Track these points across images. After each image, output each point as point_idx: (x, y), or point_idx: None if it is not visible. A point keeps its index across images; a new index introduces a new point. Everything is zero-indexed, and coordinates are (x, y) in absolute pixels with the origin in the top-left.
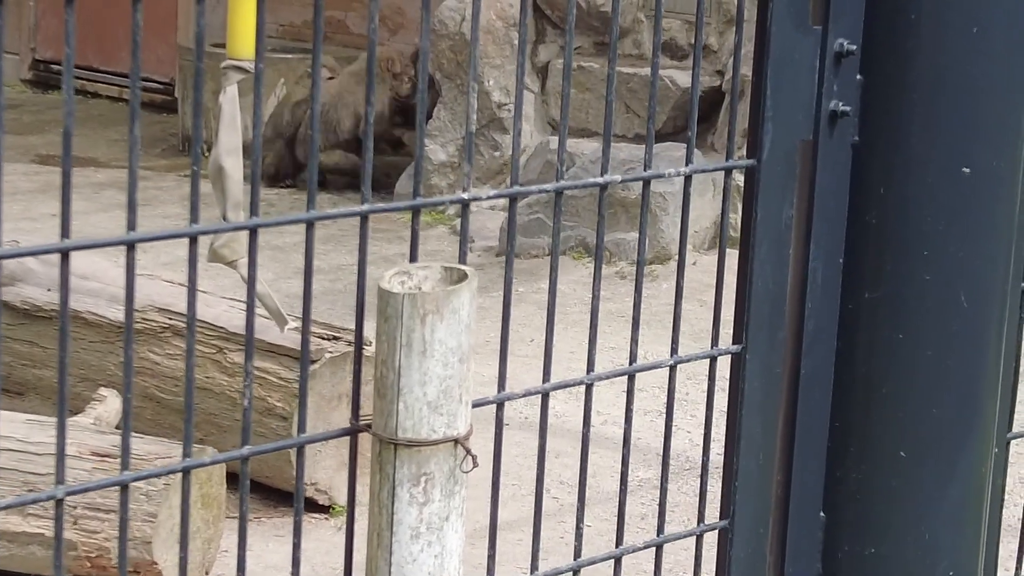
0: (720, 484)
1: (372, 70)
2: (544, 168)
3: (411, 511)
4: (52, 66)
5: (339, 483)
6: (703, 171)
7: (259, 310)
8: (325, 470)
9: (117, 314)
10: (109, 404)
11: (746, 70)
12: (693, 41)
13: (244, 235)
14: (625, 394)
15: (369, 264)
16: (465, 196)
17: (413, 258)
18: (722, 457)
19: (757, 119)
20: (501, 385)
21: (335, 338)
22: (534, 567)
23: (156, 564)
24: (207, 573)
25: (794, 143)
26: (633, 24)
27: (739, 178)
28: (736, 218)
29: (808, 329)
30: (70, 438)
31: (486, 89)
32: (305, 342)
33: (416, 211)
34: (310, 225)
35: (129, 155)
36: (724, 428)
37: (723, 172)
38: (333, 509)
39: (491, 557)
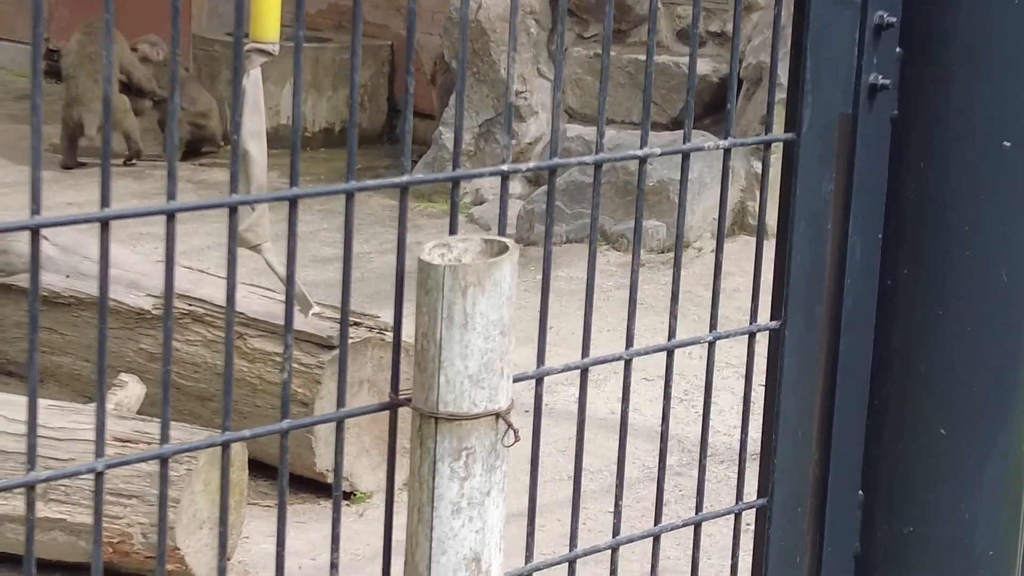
0: (738, 467)
1: (411, 49)
2: (561, 155)
3: (452, 486)
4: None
5: (360, 469)
6: (743, 144)
7: (283, 295)
8: (345, 456)
9: (136, 300)
10: (130, 390)
11: (764, 57)
12: (712, 28)
13: (267, 219)
14: (650, 378)
15: (386, 252)
16: (504, 168)
17: (453, 230)
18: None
19: (796, 93)
20: (540, 360)
21: (356, 324)
22: (573, 545)
23: (179, 549)
24: (228, 559)
25: (833, 117)
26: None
27: (758, 166)
28: (755, 204)
29: (846, 306)
30: (90, 423)
31: (502, 77)
32: (345, 315)
33: (456, 182)
34: (350, 196)
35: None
36: (743, 409)
37: (751, 152)
38: (354, 495)
39: (530, 535)
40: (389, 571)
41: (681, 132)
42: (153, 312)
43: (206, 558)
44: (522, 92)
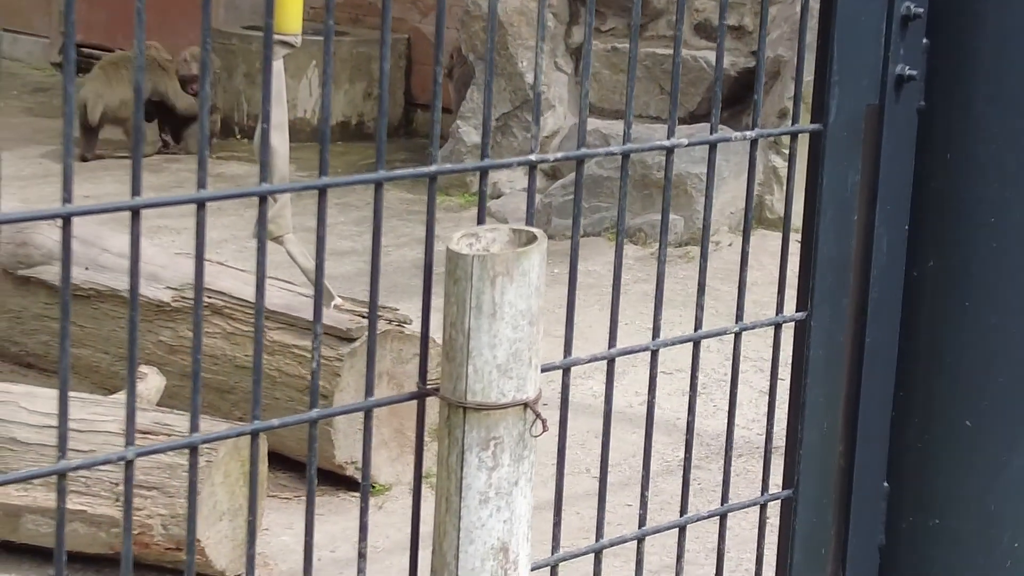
0: (763, 459)
1: (441, 38)
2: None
3: (480, 476)
4: (83, 49)
5: (378, 462)
6: (770, 134)
7: (305, 288)
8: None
9: (156, 292)
10: (149, 381)
11: (781, 50)
12: (728, 22)
13: (289, 211)
14: (668, 371)
15: (403, 246)
16: (532, 158)
17: (480, 221)
18: (772, 429)
19: (823, 83)
20: (567, 350)
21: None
22: (599, 535)
23: (199, 541)
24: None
25: (860, 107)
26: (667, 5)
27: (776, 160)
28: (772, 199)
29: (872, 297)
30: (111, 415)
31: (520, 70)
32: (373, 302)
33: (484, 172)
34: (379, 185)
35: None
36: (768, 401)
37: (769, 146)
38: (373, 488)
39: (556, 525)
40: (416, 559)
41: (699, 125)
42: (172, 304)
43: (226, 549)
44: (534, 88)
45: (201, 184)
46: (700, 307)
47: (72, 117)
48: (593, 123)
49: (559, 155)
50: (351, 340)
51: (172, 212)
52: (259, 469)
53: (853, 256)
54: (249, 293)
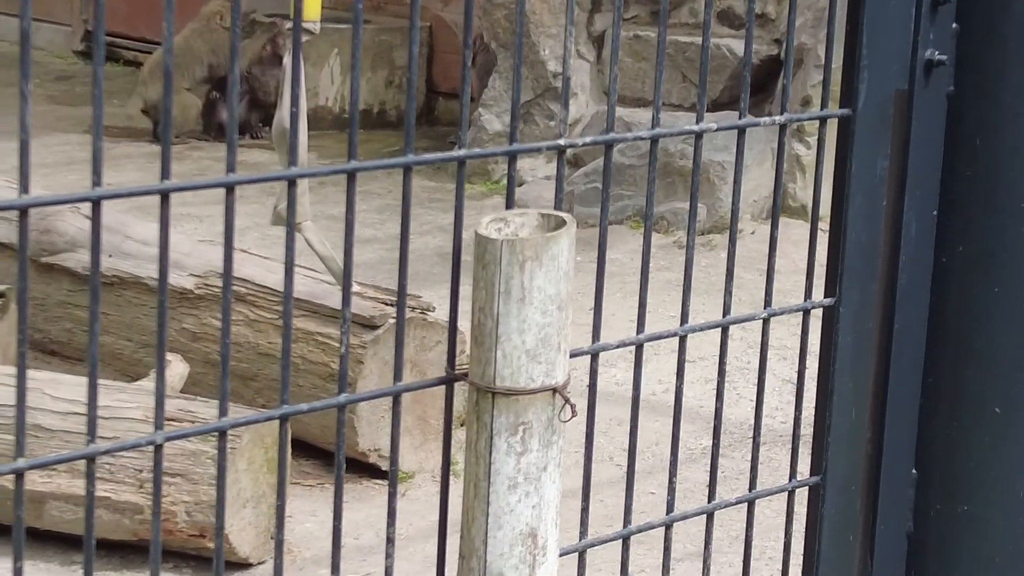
0: (792, 445)
1: (470, 22)
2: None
3: (509, 461)
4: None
5: (401, 449)
6: (798, 119)
7: (327, 275)
8: (386, 436)
9: (179, 280)
10: (174, 368)
11: (804, 38)
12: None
13: (307, 198)
14: (691, 359)
15: (425, 234)
16: (561, 142)
17: (509, 206)
18: (800, 416)
19: (852, 68)
20: (596, 336)
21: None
22: (627, 521)
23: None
24: (272, 537)
25: (889, 93)
26: None
27: (799, 148)
28: (795, 187)
29: (901, 283)
30: (135, 402)
31: (542, 58)
32: (402, 287)
33: (513, 157)
34: (408, 169)
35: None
36: (797, 387)
37: (791, 133)
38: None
39: (584, 511)
40: (445, 545)
41: (722, 113)
42: (195, 292)
43: (249, 536)
44: (561, 73)
45: (230, 168)
46: (728, 293)
47: (102, 99)
48: (616, 111)
49: (587, 139)
50: (374, 328)
51: (195, 200)
52: (283, 455)
53: (882, 242)
54: (272, 280)
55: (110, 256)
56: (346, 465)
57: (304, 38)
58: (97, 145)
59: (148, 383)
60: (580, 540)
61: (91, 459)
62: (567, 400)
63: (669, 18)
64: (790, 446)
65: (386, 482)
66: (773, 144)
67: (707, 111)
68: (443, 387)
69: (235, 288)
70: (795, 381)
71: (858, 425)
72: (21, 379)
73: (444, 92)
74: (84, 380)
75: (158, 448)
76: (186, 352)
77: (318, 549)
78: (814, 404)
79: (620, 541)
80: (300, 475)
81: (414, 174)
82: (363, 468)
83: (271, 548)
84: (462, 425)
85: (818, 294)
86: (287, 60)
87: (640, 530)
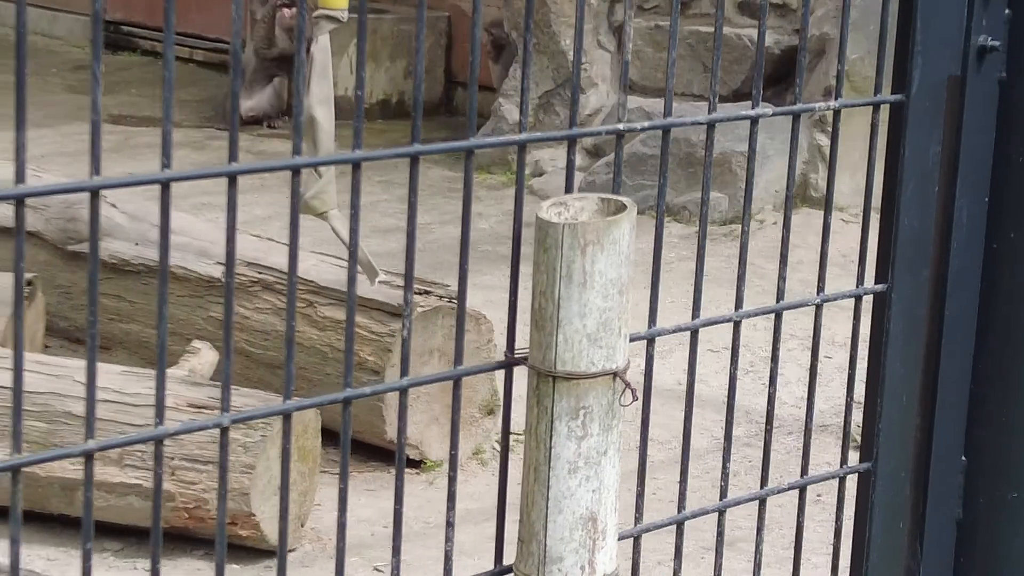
0: (843, 430)
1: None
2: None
3: (569, 445)
4: (121, 27)
5: (429, 438)
6: (853, 105)
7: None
8: (415, 425)
9: (206, 268)
10: (203, 356)
11: (826, 28)
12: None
13: (334, 187)
14: (715, 349)
15: (447, 223)
16: (620, 127)
17: (569, 189)
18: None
19: (905, 54)
20: (652, 320)
21: (426, 292)
22: (680, 507)
23: (254, 515)
24: (302, 525)
25: (942, 79)
26: None
27: (821, 139)
28: (817, 177)
29: (952, 270)
30: (169, 389)
31: (562, 48)
32: (409, 276)
33: (572, 141)
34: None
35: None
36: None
37: (814, 124)
38: (424, 464)
39: (639, 495)
40: (503, 530)
41: (745, 103)
42: (223, 280)
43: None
44: (582, 64)
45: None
46: (782, 278)
47: (172, 83)
48: (636, 100)
49: (600, 128)
50: (402, 316)
51: (214, 189)
52: (315, 445)
53: (933, 228)
54: (302, 269)
55: (136, 244)
56: (374, 454)
57: (330, 26)
58: (167, 128)
59: (178, 371)
60: (635, 525)
61: (159, 441)
62: (628, 384)
63: (691, 8)
64: (822, 436)
65: (416, 471)
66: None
67: (730, 102)
68: (471, 377)
69: (262, 276)
70: (820, 371)
71: (908, 412)
72: (91, 366)
73: (463, 82)
74: (114, 367)
75: (224, 431)
76: (214, 341)
77: (350, 537)
78: (864, 391)
79: (674, 527)
80: (329, 464)
81: (433, 164)
82: (391, 457)
83: (301, 535)
84: (489, 414)
85: (839, 283)
86: (315, 48)
87: (694, 515)
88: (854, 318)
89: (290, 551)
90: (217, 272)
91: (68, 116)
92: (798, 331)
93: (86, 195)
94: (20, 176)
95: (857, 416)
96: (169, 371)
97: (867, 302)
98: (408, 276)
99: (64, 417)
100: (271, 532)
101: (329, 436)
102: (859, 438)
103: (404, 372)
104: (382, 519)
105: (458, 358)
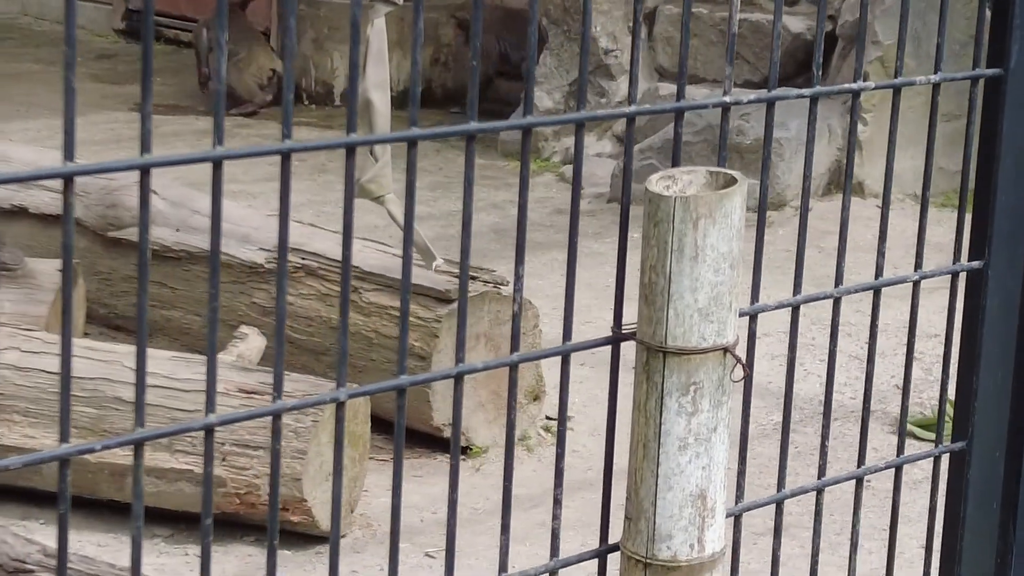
0: (938, 409)
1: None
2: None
3: (679, 421)
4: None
5: (476, 424)
6: (952, 78)
7: (398, 249)
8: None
9: (249, 254)
10: (251, 342)
11: (851, 16)
12: None
13: (390, 170)
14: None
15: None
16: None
17: (675, 162)
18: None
19: (1004, 27)
20: (754, 297)
21: (472, 277)
22: (780, 486)
23: (305, 501)
24: (352, 511)
25: None
26: None
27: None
28: (844, 162)
29: None
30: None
31: (593, 35)
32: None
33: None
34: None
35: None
36: (959, 355)
37: (848, 111)
38: (470, 450)
39: (741, 473)
40: (608, 507)
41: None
42: (265, 266)
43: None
44: (613, 51)
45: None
46: (881, 254)
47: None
48: (668, 88)
49: (612, 111)
50: (449, 301)
51: (245, 176)
52: (364, 431)
53: None
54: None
55: (177, 230)
56: (420, 440)
57: (386, 9)
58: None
59: (226, 356)
60: (736, 503)
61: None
62: (738, 359)
63: None
64: (870, 422)
65: (462, 457)
66: (830, 120)
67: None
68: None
69: (306, 262)
70: (861, 357)
71: (1003, 390)
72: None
73: (501, 70)
74: (163, 353)
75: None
76: (258, 326)
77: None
78: (956, 370)
79: (774, 505)
80: (374, 450)
81: (463, 151)
82: (438, 443)
83: (351, 521)
84: (535, 400)
85: (862, 270)
86: (370, 32)
87: (793, 494)
88: (950, 295)
89: (341, 536)
90: (260, 258)
91: (94, 105)
92: (844, 319)
93: (126, 182)
94: (69, 154)
95: (920, 395)
96: (218, 356)
97: (936, 283)
98: (463, 263)
99: (114, 403)
100: (323, 518)
101: (376, 422)
102: (937, 418)
103: (459, 359)
104: (430, 505)
105: (567, 334)
